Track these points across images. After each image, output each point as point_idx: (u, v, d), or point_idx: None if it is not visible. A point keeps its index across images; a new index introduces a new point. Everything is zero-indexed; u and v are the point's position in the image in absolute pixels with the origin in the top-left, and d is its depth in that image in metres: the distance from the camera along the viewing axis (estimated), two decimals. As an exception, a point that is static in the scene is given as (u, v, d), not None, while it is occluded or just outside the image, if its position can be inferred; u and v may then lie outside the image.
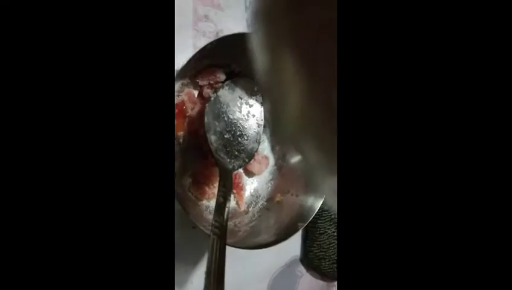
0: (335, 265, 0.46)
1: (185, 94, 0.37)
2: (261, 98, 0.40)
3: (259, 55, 0.14)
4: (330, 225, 0.45)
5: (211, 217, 0.36)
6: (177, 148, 0.38)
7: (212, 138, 0.37)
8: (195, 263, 0.40)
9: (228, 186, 0.35)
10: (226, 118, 0.38)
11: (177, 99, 0.37)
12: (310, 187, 0.40)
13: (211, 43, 0.33)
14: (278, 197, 0.42)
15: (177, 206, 0.34)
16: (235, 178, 0.40)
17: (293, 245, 0.46)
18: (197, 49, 0.38)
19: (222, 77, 0.38)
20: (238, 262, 0.40)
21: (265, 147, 0.43)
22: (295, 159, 0.42)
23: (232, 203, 0.40)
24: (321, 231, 0.45)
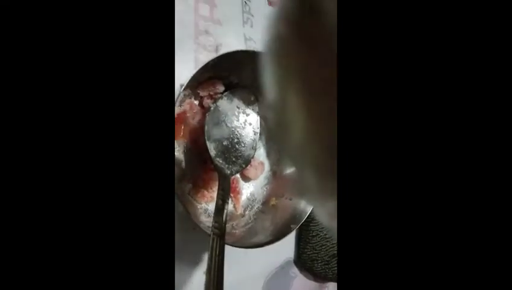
0: (327, 266, 0.47)
1: (186, 104, 0.39)
2: (257, 107, 0.42)
3: (269, 88, 0.16)
4: (322, 227, 0.46)
5: (209, 219, 0.38)
6: (178, 154, 0.39)
7: (212, 145, 0.38)
8: (195, 263, 0.40)
9: (226, 190, 0.36)
10: (224, 127, 0.40)
11: (179, 109, 0.38)
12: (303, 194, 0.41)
13: (213, 60, 0.34)
14: (273, 201, 0.43)
15: (178, 209, 0.35)
16: (233, 183, 0.42)
17: (287, 247, 0.47)
18: (198, 62, 0.40)
19: (221, 88, 0.40)
20: (234, 263, 0.40)
21: (261, 154, 0.45)
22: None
23: (229, 206, 0.41)
24: (314, 234, 0.46)
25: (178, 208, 0.35)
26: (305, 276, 0.49)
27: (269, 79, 0.16)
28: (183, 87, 0.33)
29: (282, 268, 0.47)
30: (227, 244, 0.32)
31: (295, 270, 0.48)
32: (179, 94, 0.34)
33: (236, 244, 0.35)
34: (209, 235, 0.31)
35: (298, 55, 0.15)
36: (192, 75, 0.33)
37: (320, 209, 0.18)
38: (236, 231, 0.40)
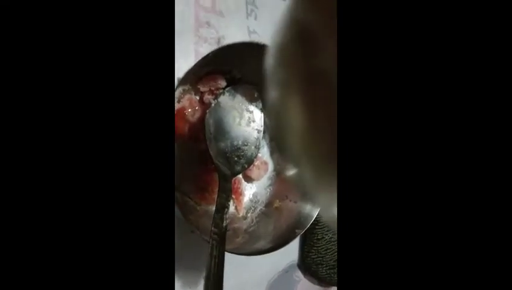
0: (332, 271, 0.47)
1: (186, 100, 0.37)
2: (260, 104, 0.40)
3: (272, 88, 0.17)
4: (327, 230, 0.46)
5: (209, 222, 0.36)
6: (177, 153, 0.38)
7: (213, 143, 0.37)
8: (194, 268, 0.40)
9: (228, 193, 0.35)
10: (226, 124, 0.38)
11: (178, 105, 0.37)
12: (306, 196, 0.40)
13: (214, 52, 0.33)
14: (276, 203, 0.42)
15: (177, 212, 0.34)
16: (234, 183, 0.41)
17: (291, 251, 0.47)
18: (199, 55, 0.39)
19: (223, 83, 0.39)
20: (236, 267, 0.40)
21: (264, 153, 0.44)
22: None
23: (230, 208, 0.40)
24: (319, 237, 0.46)
25: (176, 211, 0.35)
26: (310, 280, 0.49)
27: (273, 81, 0.17)
28: (179, 81, 0.32)
29: (286, 272, 0.46)
30: (228, 251, 0.31)
31: (299, 274, 0.48)
32: (176, 88, 0.33)
33: (237, 251, 0.34)
34: (208, 242, 0.29)
35: (302, 60, 0.15)
36: (190, 67, 0.32)
37: (325, 211, 0.19)
38: (238, 236, 0.39)
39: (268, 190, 0.43)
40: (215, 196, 0.37)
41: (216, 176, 0.38)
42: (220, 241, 0.29)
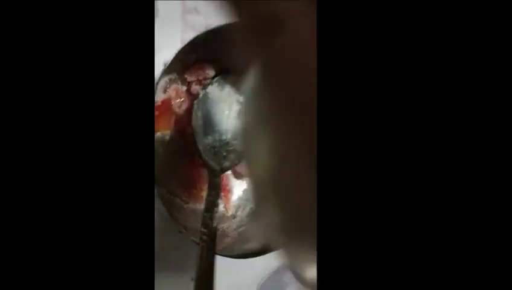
0: None
1: (172, 90, 0.37)
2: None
3: (247, 126, 0.17)
4: None
5: (198, 221, 0.36)
6: (162, 147, 0.37)
7: (200, 137, 0.37)
8: (181, 269, 0.39)
9: (217, 189, 0.34)
10: (214, 116, 0.38)
11: (164, 96, 0.36)
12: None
13: (200, 35, 0.33)
14: None
15: (162, 211, 0.34)
16: (223, 180, 0.40)
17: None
18: (185, 43, 0.37)
19: (211, 72, 0.38)
20: (225, 268, 0.38)
21: (255, 148, 0.43)
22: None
23: (219, 207, 0.40)
24: None
25: (162, 209, 0.35)
26: (301, 282, 0.47)
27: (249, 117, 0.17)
28: (165, 69, 0.32)
29: (277, 273, 0.46)
30: (217, 253, 0.30)
31: (290, 276, 0.47)
32: (160, 75, 0.32)
33: (226, 252, 0.33)
34: (197, 243, 0.28)
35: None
36: (176, 53, 0.32)
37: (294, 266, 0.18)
38: (227, 236, 0.38)
39: (259, 186, 0.42)
40: (204, 194, 0.37)
41: (204, 172, 0.37)
42: (210, 242, 0.29)
